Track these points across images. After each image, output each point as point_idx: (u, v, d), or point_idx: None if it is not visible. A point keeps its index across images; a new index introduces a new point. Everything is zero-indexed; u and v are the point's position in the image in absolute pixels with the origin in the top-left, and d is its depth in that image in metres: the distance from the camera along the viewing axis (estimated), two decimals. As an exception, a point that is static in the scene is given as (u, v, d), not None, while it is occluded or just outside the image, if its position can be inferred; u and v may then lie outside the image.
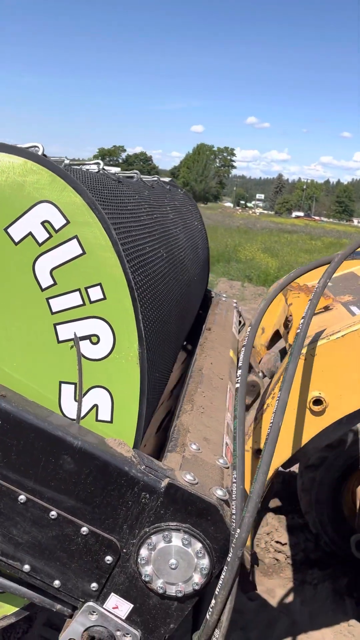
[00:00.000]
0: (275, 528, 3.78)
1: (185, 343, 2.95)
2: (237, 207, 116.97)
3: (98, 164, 2.02)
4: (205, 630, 1.30)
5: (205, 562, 1.29)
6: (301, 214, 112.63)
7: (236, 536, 1.27)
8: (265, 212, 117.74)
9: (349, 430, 3.49)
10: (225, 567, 1.27)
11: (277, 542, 3.66)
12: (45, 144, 1.36)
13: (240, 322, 3.49)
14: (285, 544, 3.66)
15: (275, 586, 3.30)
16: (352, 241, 2.08)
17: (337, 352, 1.74)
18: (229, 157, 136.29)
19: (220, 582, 1.27)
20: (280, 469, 2.09)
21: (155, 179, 3.21)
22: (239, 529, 1.28)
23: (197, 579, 1.29)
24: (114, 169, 2.60)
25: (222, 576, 1.27)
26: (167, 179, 3.80)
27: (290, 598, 3.22)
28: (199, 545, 1.28)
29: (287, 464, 2.06)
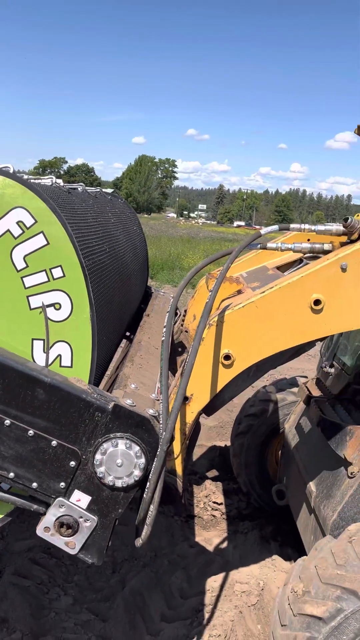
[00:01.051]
0: (212, 492, 4.34)
1: (128, 334, 3.47)
2: (181, 218, 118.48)
3: (51, 178, 2.52)
4: (142, 506, 1.82)
5: (142, 460, 1.81)
6: (242, 223, 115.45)
7: (162, 437, 1.80)
8: (208, 222, 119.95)
9: (270, 401, 4.13)
10: (155, 459, 1.80)
11: (214, 502, 4.22)
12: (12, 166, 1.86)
13: (176, 312, 4.05)
14: (221, 503, 4.23)
15: (212, 537, 3.85)
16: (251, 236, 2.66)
17: (240, 319, 2.30)
18: (170, 169, 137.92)
19: (152, 469, 1.80)
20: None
21: (98, 190, 3.72)
22: (164, 432, 1.81)
23: (137, 473, 1.82)
24: (59, 181, 3.06)
25: (153, 465, 1.80)
26: (109, 190, 4.31)
27: (224, 545, 3.77)
28: (137, 448, 1.80)
29: (210, 410, 2.60)
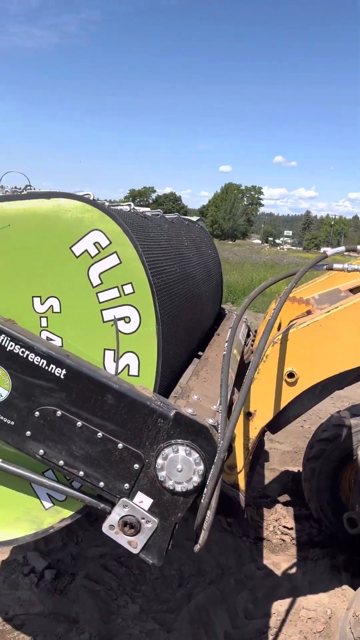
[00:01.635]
0: (283, 516, 4.30)
1: (200, 354, 3.59)
2: (265, 244, 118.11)
3: (129, 205, 2.74)
4: (200, 511, 1.91)
5: (201, 467, 1.90)
6: (329, 249, 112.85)
7: (220, 445, 1.89)
8: (294, 248, 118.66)
9: (344, 426, 4.05)
10: (213, 466, 1.88)
11: (284, 526, 4.17)
12: (80, 188, 2.08)
13: (248, 333, 4.13)
14: (292, 528, 4.17)
15: (280, 561, 3.81)
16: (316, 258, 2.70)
17: (304, 337, 2.35)
18: (256, 196, 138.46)
19: (210, 476, 1.88)
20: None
21: (176, 215, 3.93)
22: (222, 441, 1.90)
23: (196, 479, 1.91)
24: (143, 209, 3.28)
25: (210, 472, 1.88)
26: (194, 218, 4.53)
27: (293, 570, 3.72)
28: (196, 455, 1.90)
29: (274, 427, 2.64)
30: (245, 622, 3.18)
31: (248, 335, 4.10)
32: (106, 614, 3.07)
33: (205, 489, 1.90)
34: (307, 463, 4.16)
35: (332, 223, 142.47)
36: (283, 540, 4.05)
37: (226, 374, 2.17)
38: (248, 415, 2.46)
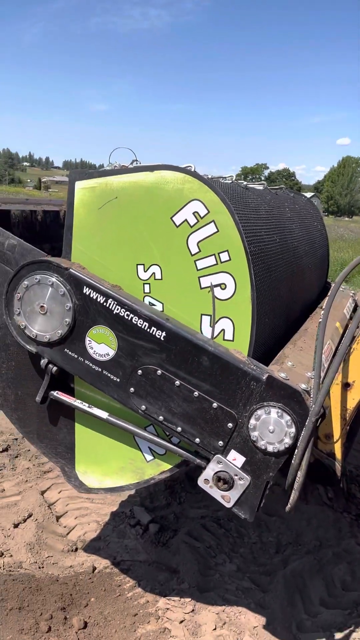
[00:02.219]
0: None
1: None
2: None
3: (231, 176, 2.79)
4: (290, 471, 1.97)
5: (292, 429, 1.96)
6: None
7: (312, 409, 1.92)
8: None
9: None
10: (304, 429, 1.93)
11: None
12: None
13: (355, 308, 4.02)
14: None
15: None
16: None
17: None
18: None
19: (301, 437, 1.93)
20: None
21: (282, 187, 3.91)
22: (314, 405, 1.93)
23: (287, 441, 1.97)
24: (256, 185, 3.26)
25: (302, 434, 1.93)
26: (309, 194, 4.48)
27: None
28: (288, 418, 1.95)
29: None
30: (342, 593, 3.19)
31: (354, 310, 3.99)
32: (204, 569, 3.25)
33: (296, 451, 1.95)
34: None
35: None
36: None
37: (321, 341, 2.18)
38: (346, 385, 2.44)
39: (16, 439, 4.66)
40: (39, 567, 3.15)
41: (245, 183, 3.07)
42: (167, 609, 2.92)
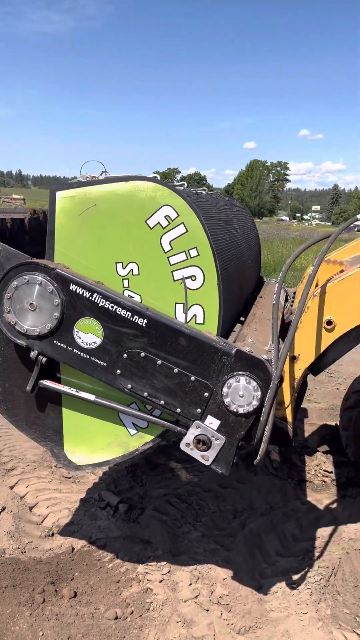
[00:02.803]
0: (323, 462, 4.75)
1: (242, 319, 4.04)
2: (293, 220, 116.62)
3: (183, 184, 3.18)
4: (260, 427, 2.37)
5: (259, 393, 2.37)
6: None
7: (273, 375, 2.35)
8: (322, 223, 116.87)
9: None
10: (269, 391, 2.34)
11: (324, 470, 4.63)
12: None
13: (286, 298, 4.55)
14: (331, 472, 4.62)
15: (322, 498, 4.27)
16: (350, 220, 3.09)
17: (341, 289, 2.77)
18: (282, 172, 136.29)
19: (266, 399, 2.35)
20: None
21: (218, 192, 4.35)
22: (275, 370, 2.35)
23: (255, 403, 2.37)
24: (199, 190, 3.65)
25: (267, 395, 2.34)
26: (226, 197, 4.92)
27: (334, 505, 4.18)
28: (254, 384, 2.36)
29: (316, 369, 3.08)
30: (294, 544, 3.67)
31: (286, 300, 4.52)
32: (174, 537, 3.60)
33: (264, 409, 2.36)
34: (344, 413, 4.59)
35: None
36: (324, 481, 4.51)
37: (276, 318, 2.62)
38: (293, 359, 2.90)
39: (-27, 443, 4.76)
40: (22, 552, 3.36)
41: (194, 190, 3.46)
42: (146, 572, 3.24)
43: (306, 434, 5.36)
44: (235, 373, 2.38)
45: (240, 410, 2.40)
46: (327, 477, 4.58)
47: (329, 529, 3.80)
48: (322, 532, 3.77)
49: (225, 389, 2.39)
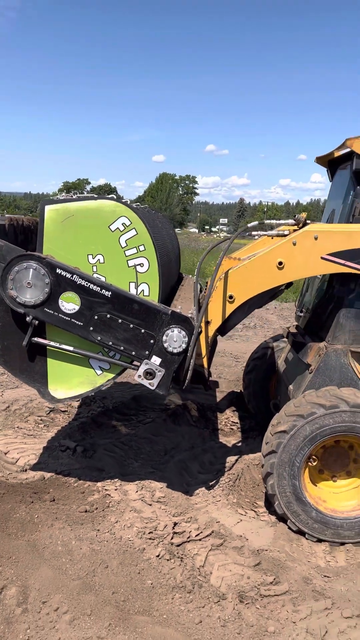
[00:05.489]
0: (231, 416, 6.12)
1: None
2: (202, 232, 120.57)
3: (126, 202, 4.39)
4: (187, 360, 3.63)
5: (186, 339, 3.62)
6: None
7: (195, 325, 3.62)
8: (229, 235, 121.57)
9: (269, 348, 5.90)
10: (192, 336, 3.61)
11: (232, 421, 6.00)
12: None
13: (201, 289, 5.87)
14: (237, 422, 6.00)
15: (230, 440, 5.62)
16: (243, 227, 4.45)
17: (238, 274, 4.10)
18: (191, 185, 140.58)
19: (191, 341, 3.61)
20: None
21: (146, 206, 5.60)
22: (196, 323, 3.63)
23: (184, 345, 3.62)
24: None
25: (192, 338, 3.61)
26: (152, 209, 6.15)
27: (239, 444, 5.54)
28: (184, 332, 3.61)
29: (223, 331, 4.40)
30: (210, 467, 4.96)
31: (201, 290, 5.85)
32: (121, 466, 4.76)
33: (189, 347, 3.63)
34: (245, 376, 5.99)
35: (265, 210, 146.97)
36: (232, 429, 5.87)
37: (196, 291, 3.90)
38: (207, 323, 4.20)
39: None
40: (6, 479, 4.37)
41: (134, 204, 4.67)
42: (104, 486, 4.37)
43: (218, 400, 6.72)
44: (171, 326, 3.62)
45: (174, 351, 3.64)
46: (234, 426, 5.95)
47: (235, 457, 5.14)
48: (231, 459, 5.10)
49: (164, 337, 3.63)
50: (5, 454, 4.85)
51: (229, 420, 6.05)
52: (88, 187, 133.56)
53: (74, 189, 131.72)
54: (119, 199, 3.68)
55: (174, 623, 2.92)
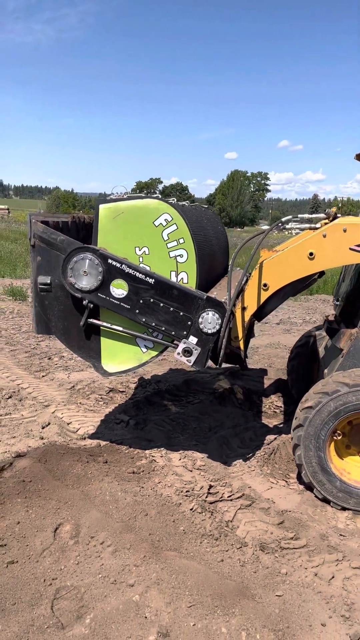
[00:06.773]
0: (275, 401, 6.51)
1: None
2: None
3: (174, 199, 4.91)
4: (220, 340, 4.09)
5: (219, 321, 4.09)
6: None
7: (228, 309, 4.07)
8: (302, 232, 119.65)
9: (311, 336, 6.23)
10: (224, 319, 4.06)
11: (276, 405, 6.38)
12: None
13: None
14: (281, 406, 6.36)
15: (272, 421, 6.01)
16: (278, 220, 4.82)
17: (272, 264, 4.50)
18: (263, 182, 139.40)
19: (224, 322, 4.07)
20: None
21: (197, 204, 6.09)
22: (229, 307, 4.09)
23: (217, 327, 4.09)
24: (184, 203, 5.43)
25: (224, 320, 4.06)
26: (204, 206, 6.65)
27: (281, 425, 5.91)
28: (217, 315, 4.08)
29: (259, 317, 4.81)
30: (250, 443, 5.39)
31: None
32: (168, 438, 5.30)
33: (222, 329, 4.09)
34: (289, 363, 6.34)
35: (340, 205, 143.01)
36: (275, 412, 6.26)
37: (229, 279, 4.36)
38: (243, 309, 4.64)
39: (14, 392, 6.41)
40: (67, 444, 5.03)
41: (182, 203, 5.18)
42: (151, 454, 4.93)
43: (265, 386, 7.11)
44: (206, 309, 4.10)
45: (209, 331, 4.11)
46: (277, 409, 6.33)
47: (274, 435, 5.53)
48: (270, 437, 5.50)
49: (200, 319, 4.11)
50: (68, 424, 5.53)
51: (273, 404, 6.43)
52: (160, 187, 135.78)
53: (146, 188, 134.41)
54: (161, 197, 4.20)
55: (199, 559, 3.41)
